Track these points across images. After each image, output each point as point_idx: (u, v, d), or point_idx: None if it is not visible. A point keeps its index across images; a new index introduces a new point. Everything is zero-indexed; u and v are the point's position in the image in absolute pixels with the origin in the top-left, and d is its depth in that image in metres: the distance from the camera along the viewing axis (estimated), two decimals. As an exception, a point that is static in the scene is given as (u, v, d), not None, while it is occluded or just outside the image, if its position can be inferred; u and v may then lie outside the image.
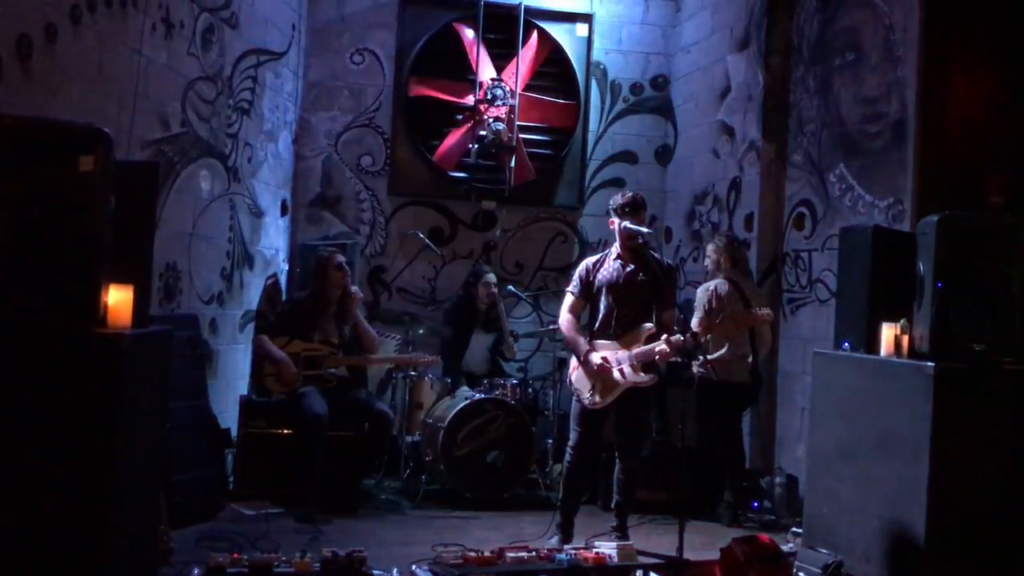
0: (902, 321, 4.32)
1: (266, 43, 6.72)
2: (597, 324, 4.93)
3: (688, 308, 6.05)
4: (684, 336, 4.67)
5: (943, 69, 5.21)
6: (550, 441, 6.36)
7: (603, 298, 4.90)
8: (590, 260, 5.05)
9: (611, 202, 4.96)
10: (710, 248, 6.09)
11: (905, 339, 4.30)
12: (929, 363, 4.01)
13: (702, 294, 5.83)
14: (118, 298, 3.27)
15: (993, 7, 5.17)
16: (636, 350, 4.75)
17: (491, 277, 6.67)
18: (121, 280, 3.28)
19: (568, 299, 5.01)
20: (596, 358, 4.77)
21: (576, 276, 5.03)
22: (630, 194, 4.95)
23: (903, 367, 4.20)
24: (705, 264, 6.15)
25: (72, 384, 3.06)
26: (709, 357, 5.68)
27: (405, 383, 6.40)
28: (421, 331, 6.79)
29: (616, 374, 4.75)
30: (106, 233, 3.18)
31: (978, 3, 5.19)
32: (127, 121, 4.78)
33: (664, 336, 4.68)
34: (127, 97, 4.79)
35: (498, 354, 6.75)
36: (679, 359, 4.88)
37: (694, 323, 5.67)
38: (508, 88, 7.58)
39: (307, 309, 5.85)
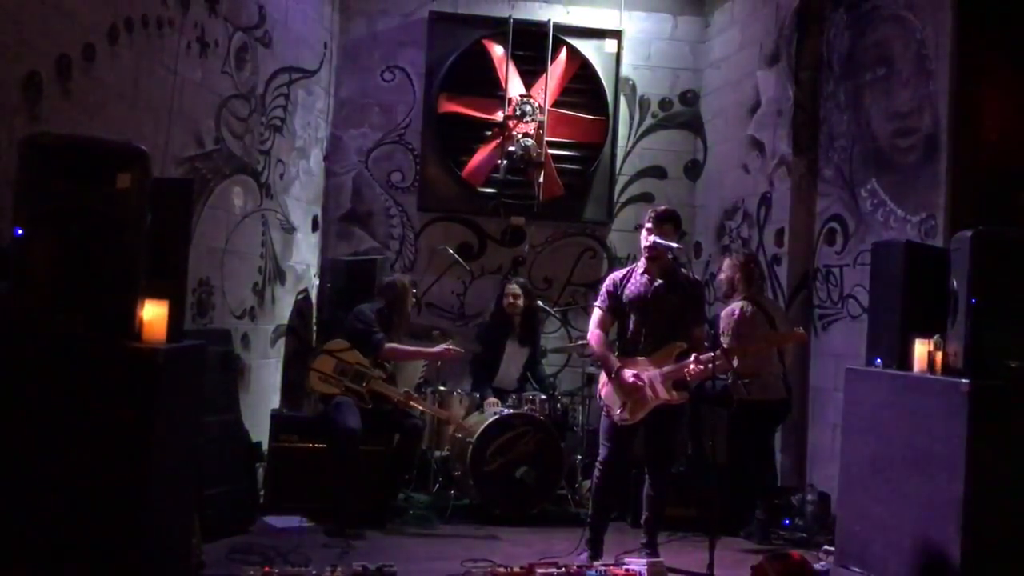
0: (935, 337, 4.27)
1: (298, 61, 6.81)
2: (626, 340, 4.92)
3: (716, 323, 6.01)
4: (715, 353, 4.65)
5: (976, 83, 5.17)
6: (579, 457, 6.35)
7: (631, 314, 4.89)
8: (617, 274, 5.04)
9: (644, 216, 4.97)
10: (726, 264, 6.03)
11: (939, 355, 4.24)
12: (964, 380, 3.96)
13: (726, 318, 5.75)
14: (153, 313, 3.31)
15: (1026, 20, 5.13)
16: (667, 368, 4.74)
17: (512, 287, 6.68)
18: (156, 295, 3.33)
19: (596, 314, 5.00)
20: (628, 375, 4.75)
21: (603, 290, 5.01)
22: (661, 208, 4.95)
23: (937, 384, 4.15)
24: (719, 278, 6.11)
25: (108, 398, 3.10)
26: (744, 381, 5.63)
27: (434, 397, 6.41)
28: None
29: (647, 391, 4.73)
30: (142, 249, 3.24)
31: (1011, 16, 5.14)
32: (163, 139, 4.86)
33: (694, 355, 4.66)
34: (163, 115, 4.87)
35: (532, 371, 6.73)
36: (715, 379, 4.84)
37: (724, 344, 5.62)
38: (537, 104, 7.61)
39: (381, 326, 5.84)
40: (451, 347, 5.97)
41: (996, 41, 5.17)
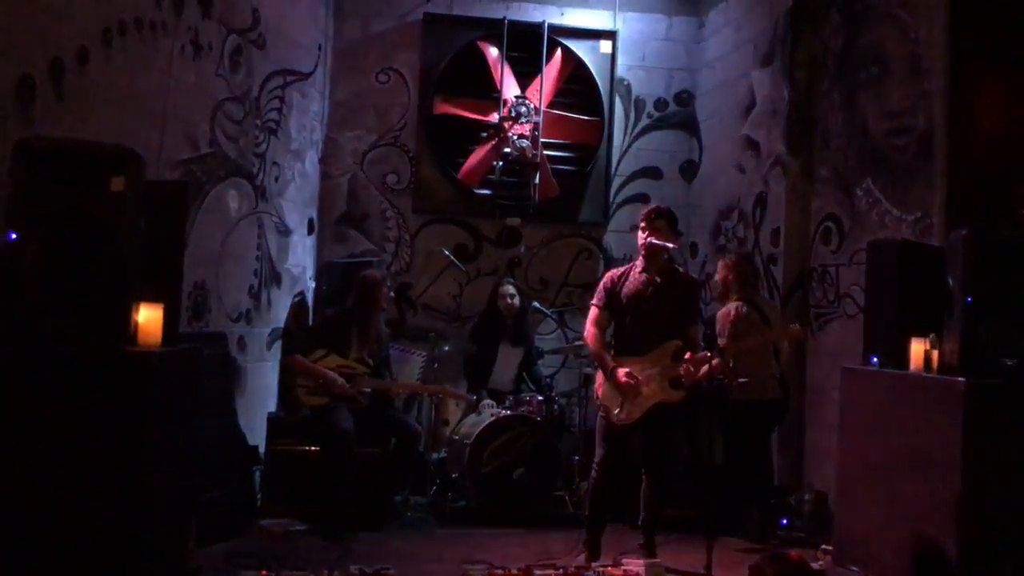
0: (932, 336, 4.28)
1: (293, 64, 6.80)
2: (623, 339, 4.91)
3: (714, 323, 6.01)
4: (710, 353, 4.65)
5: (970, 81, 5.17)
6: (576, 458, 6.34)
7: (628, 312, 4.88)
8: (615, 272, 5.03)
9: (640, 216, 4.96)
10: (720, 265, 6.05)
11: (935, 354, 4.25)
12: (960, 378, 3.96)
13: (723, 319, 5.76)
14: (148, 317, 3.31)
15: (1020, 19, 5.12)
16: (663, 367, 4.74)
17: (507, 288, 6.68)
18: (151, 299, 3.33)
19: (593, 312, 4.99)
20: (621, 375, 4.75)
21: (600, 288, 5.00)
22: (655, 207, 4.95)
23: (933, 383, 4.15)
24: (714, 279, 6.12)
25: (103, 402, 3.09)
26: (740, 380, 5.62)
27: (431, 400, 6.40)
28: (447, 348, 6.80)
29: (644, 390, 4.73)
30: (136, 252, 3.23)
31: (1005, 15, 5.15)
32: (157, 142, 4.85)
33: (689, 354, 4.66)
34: (157, 118, 4.86)
35: (528, 372, 6.73)
36: (712, 380, 4.84)
37: (721, 344, 5.62)
38: (532, 105, 7.61)
39: (346, 325, 5.85)
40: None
41: (990, 39, 5.17)
